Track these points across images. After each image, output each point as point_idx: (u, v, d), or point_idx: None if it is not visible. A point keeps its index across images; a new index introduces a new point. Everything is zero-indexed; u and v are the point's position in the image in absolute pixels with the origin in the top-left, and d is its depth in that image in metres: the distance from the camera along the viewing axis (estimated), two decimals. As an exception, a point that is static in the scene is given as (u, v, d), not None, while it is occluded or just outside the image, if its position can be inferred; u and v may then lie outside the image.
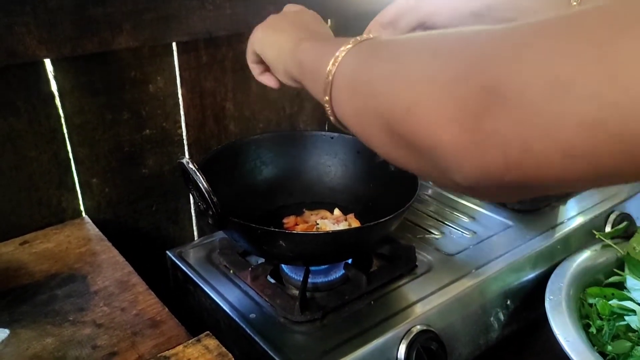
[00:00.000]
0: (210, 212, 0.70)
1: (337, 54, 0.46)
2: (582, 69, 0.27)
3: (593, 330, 0.79)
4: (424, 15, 0.67)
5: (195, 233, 1.12)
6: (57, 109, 0.87)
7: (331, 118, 0.49)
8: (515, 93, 0.29)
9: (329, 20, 1.12)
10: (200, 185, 0.68)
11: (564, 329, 0.75)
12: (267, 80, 0.69)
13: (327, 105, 0.48)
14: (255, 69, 0.69)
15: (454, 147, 0.33)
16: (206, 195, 0.68)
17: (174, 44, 0.95)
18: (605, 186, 0.35)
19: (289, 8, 0.66)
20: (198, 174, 0.68)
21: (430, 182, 0.40)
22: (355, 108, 0.44)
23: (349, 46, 0.46)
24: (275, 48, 0.60)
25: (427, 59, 0.36)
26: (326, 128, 1.23)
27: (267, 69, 0.67)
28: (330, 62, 0.46)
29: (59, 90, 0.86)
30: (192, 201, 1.08)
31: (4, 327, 0.63)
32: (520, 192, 0.35)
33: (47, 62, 0.83)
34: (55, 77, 0.85)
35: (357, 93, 0.43)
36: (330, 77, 0.46)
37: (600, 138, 0.27)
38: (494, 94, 0.30)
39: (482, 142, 0.31)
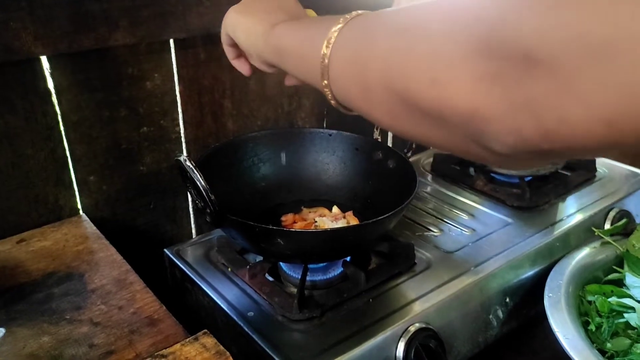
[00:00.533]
0: (208, 210, 0.69)
1: (329, 35, 0.44)
2: (622, 28, 0.25)
3: (592, 327, 0.79)
4: None
5: (194, 231, 1.11)
6: (53, 106, 0.86)
7: (332, 102, 0.48)
8: (549, 58, 0.27)
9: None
10: (198, 183, 0.68)
11: (563, 327, 0.75)
12: (240, 65, 0.67)
13: (326, 90, 0.46)
14: (229, 52, 0.67)
15: (488, 114, 0.31)
16: (203, 193, 0.68)
17: (171, 41, 0.94)
18: None
19: None
20: (195, 171, 0.68)
21: (460, 155, 0.38)
22: (362, 88, 0.41)
23: (340, 25, 0.44)
24: (248, 32, 0.58)
25: (446, 26, 0.34)
26: (324, 125, 1.22)
27: (241, 53, 0.65)
28: (324, 45, 0.44)
29: (55, 87, 0.85)
30: (190, 199, 1.08)
31: (4, 328, 0.63)
32: (556, 158, 0.34)
33: (44, 59, 0.83)
34: (52, 74, 0.84)
35: (363, 72, 0.41)
36: (326, 60, 0.44)
37: None
38: (528, 59, 0.28)
39: (517, 109, 0.30)
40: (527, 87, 0.29)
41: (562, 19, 0.27)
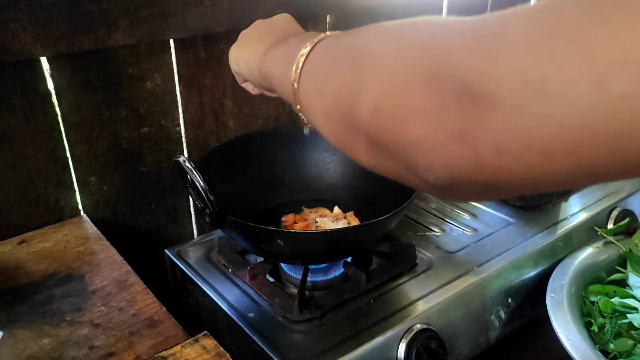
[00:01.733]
0: (207, 211, 0.69)
1: (297, 59, 0.44)
2: (557, 67, 0.25)
3: (595, 328, 0.79)
4: None
5: (195, 231, 1.11)
6: (54, 106, 0.86)
7: (308, 126, 0.48)
8: (488, 93, 0.27)
9: (328, 16, 1.11)
10: (197, 183, 0.67)
11: (565, 328, 0.75)
12: (248, 87, 0.68)
13: (300, 114, 0.47)
14: (238, 78, 0.68)
15: (423, 145, 0.32)
16: (203, 193, 0.68)
17: (171, 41, 0.94)
18: (585, 185, 0.34)
19: (256, 22, 0.63)
20: (195, 172, 0.67)
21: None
22: (323, 114, 0.42)
23: (308, 49, 0.44)
24: (247, 64, 0.59)
25: (392, 54, 0.35)
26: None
27: None
28: (293, 70, 0.44)
29: (55, 88, 0.85)
30: (191, 199, 1.07)
31: (4, 330, 0.63)
32: (493, 192, 0.34)
33: (44, 60, 0.82)
34: (52, 75, 0.84)
35: (322, 97, 0.41)
36: (295, 85, 0.44)
37: (582, 138, 0.25)
38: (467, 94, 0.29)
39: (453, 141, 0.30)
40: (463, 120, 0.29)
41: (502, 56, 0.27)
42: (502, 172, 0.29)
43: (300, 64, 0.44)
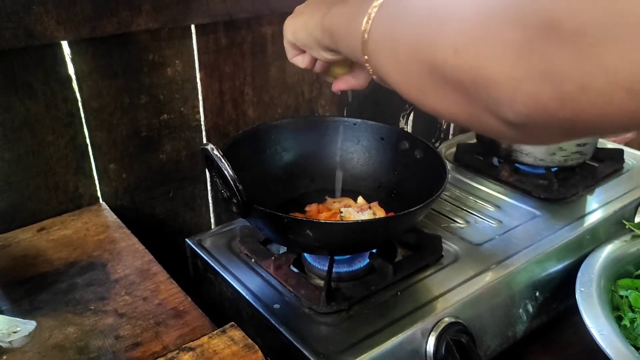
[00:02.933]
0: (235, 200, 0.68)
1: (369, 10, 0.45)
2: None
3: (626, 322, 0.77)
4: None
5: (212, 220, 1.10)
6: (74, 92, 0.84)
7: (374, 77, 0.49)
8: (576, 28, 0.27)
9: None
10: (225, 172, 0.66)
11: (597, 322, 0.73)
12: (297, 60, 0.68)
13: (367, 65, 0.48)
14: (289, 52, 0.68)
15: (506, 80, 0.31)
16: (231, 182, 0.66)
17: (192, 27, 0.92)
18: None
19: None
20: (223, 160, 0.66)
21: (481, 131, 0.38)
22: (396, 61, 0.42)
23: (381, 1, 0.44)
24: (305, 27, 0.60)
25: None
26: (345, 113, 1.20)
27: (300, 51, 0.66)
28: (364, 21, 0.45)
29: (76, 73, 0.84)
30: (209, 187, 1.06)
31: (25, 317, 0.62)
32: (570, 132, 0.34)
33: (65, 44, 0.81)
34: (73, 60, 0.82)
35: (396, 44, 0.42)
36: (366, 35, 0.45)
37: None
38: (554, 28, 0.28)
39: (536, 76, 0.30)
40: (548, 54, 0.29)
41: None
42: (585, 110, 0.29)
43: (373, 14, 0.44)
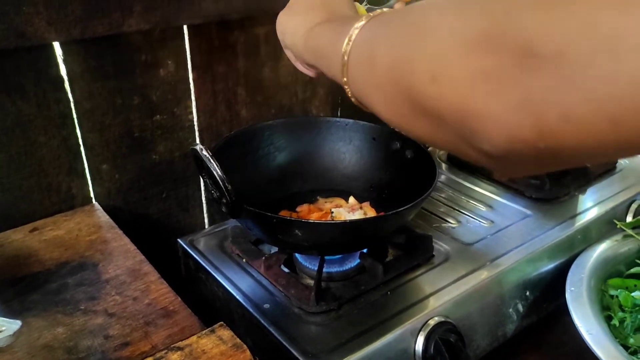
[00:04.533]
0: (224, 201, 0.68)
1: (350, 32, 0.44)
2: (635, 19, 0.23)
3: (615, 322, 0.77)
4: None
5: (206, 220, 1.10)
6: (66, 93, 0.85)
7: (352, 99, 0.48)
8: (553, 51, 0.26)
9: None
10: (215, 172, 0.66)
11: (585, 322, 0.73)
12: (303, 69, 0.67)
13: (346, 87, 0.47)
14: (290, 56, 0.67)
15: (482, 112, 0.30)
16: (220, 183, 0.66)
17: (185, 27, 0.93)
18: None
19: None
20: (212, 161, 0.66)
21: (461, 156, 0.37)
22: (374, 85, 0.42)
23: (362, 23, 0.44)
24: (292, 34, 0.59)
25: (449, 19, 0.33)
26: (339, 114, 1.20)
27: None
28: (345, 42, 0.44)
29: (68, 74, 0.84)
30: (202, 188, 1.06)
31: (15, 317, 0.62)
32: (550, 162, 0.33)
33: (56, 45, 0.81)
34: (65, 61, 0.83)
35: (375, 68, 0.41)
36: (346, 57, 0.44)
37: None
38: (528, 54, 0.27)
39: (514, 107, 0.28)
40: (526, 83, 0.27)
41: (569, 10, 0.26)
42: (567, 140, 0.27)
43: (354, 37, 0.44)
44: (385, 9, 0.46)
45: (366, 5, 0.67)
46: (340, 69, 0.45)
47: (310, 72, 0.66)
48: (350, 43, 0.44)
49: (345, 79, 0.46)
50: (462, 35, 0.31)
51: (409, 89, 0.36)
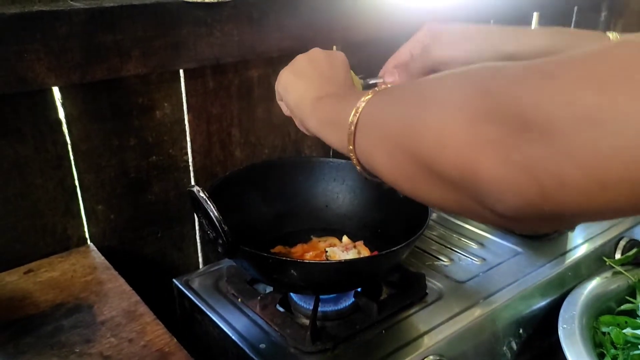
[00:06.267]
0: (220, 241, 0.69)
1: (357, 104, 0.47)
2: (607, 96, 0.26)
3: (608, 359, 0.78)
4: (434, 63, 0.65)
5: (200, 260, 1.10)
6: (64, 135, 0.86)
7: (357, 167, 0.51)
8: (544, 123, 0.29)
9: (334, 47, 1.12)
10: (211, 213, 0.67)
11: (579, 359, 0.74)
12: (284, 106, 0.69)
13: (351, 154, 0.49)
14: (283, 107, 0.69)
15: (490, 178, 0.33)
16: (216, 223, 0.67)
17: (181, 71, 0.95)
18: None
19: (315, 52, 0.65)
20: (209, 202, 0.67)
21: (472, 219, 0.39)
22: (383, 153, 0.44)
23: (369, 96, 0.47)
24: (298, 97, 0.61)
25: (454, 94, 0.36)
26: (331, 154, 1.22)
27: None
28: (352, 113, 0.47)
29: (66, 117, 0.85)
30: (197, 227, 1.07)
31: (10, 360, 0.62)
32: (561, 222, 0.35)
33: (55, 89, 0.83)
34: (63, 104, 0.84)
35: (384, 137, 0.44)
36: (352, 127, 0.47)
37: (635, 165, 0.26)
38: (524, 125, 0.30)
39: (519, 172, 0.31)
40: (525, 150, 0.30)
41: (555, 88, 0.29)
42: (567, 204, 0.30)
43: (361, 108, 0.46)
44: (389, 85, 0.49)
45: (361, 76, 0.71)
46: (347, 138, 0.48)
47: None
48: (358, 114, 0.47)
49: (350, 147, 0.48)
50: (466, 109, 0.34)
51: (419, 156, 0.38)
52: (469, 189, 0.35)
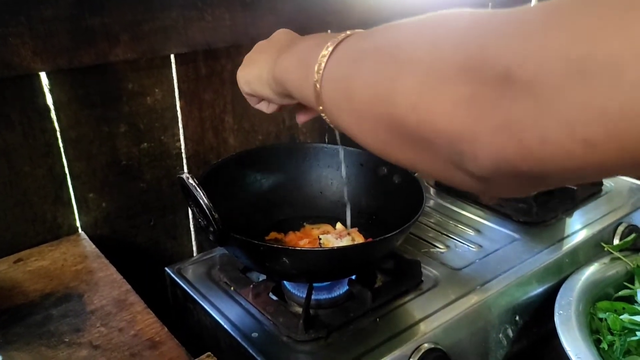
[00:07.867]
0: (211, 229, 0.68)
1: (318, 60, 0.43)
2: (601, 44, 0.24)
3: (604, 345, 0.77)
4: None
5: (194, 248, 1.09)
6: (52, 122, 0.85)
7: (331, 125, 0.48)
8: (528, 78, 0.27)
9: (328, 30, 1.10)
10: (201, 201, 0.66)
11: (574, 345, 0.73)
12: (262, 106, 0.67)
13: (323, 115, 0.47)
14: (251, 100, 0.67)
15: (467, 135, 0.31)
16: (207, 211, 0.66)
17: (172, 56, 0.93)
18: (630, 176, 0.32)
19: (259, 44, 0.63)
20: (199, 189, 0.66)
21: (446, 182, 0.37)
22: (353, 115, 0.41)
23: (330, 49, 0.43)
24: (259, 79, 0.58)
25: (428, 46, 0.34)
26: (326, 140, 1.21)
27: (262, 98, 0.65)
28: (315, 71, 0.44)
29: (54, 103, 0.84)
30: (190, 216, 1.06)
31: (0, 352, 0.61)
32: (536, 183, 0.33)
33: (43, 75, 0.81)
34: (51, 90, 0.83)
35: (351, 99, 0.41)
36: (318, 86, 0.44)
37: (625, 122, 0.24)
38: (507, 80, 0.28)
39: (496, 130, 0.29)
40: (506, 108, 0.28)
41: (542, 40, 0.27)
42: (546, 162, 0.28)
43: (323, 65, 0.43)
44: (349, 32, 0.44)
45: None
46: (314, 99, 0.45)
47: (269, 110, 0.66)
48: (321, 72, 0.43)
49: (320, 108, 0.45)
50: (441, 66, 0.32)
51: (391, 119, 0.36)
52: (443, 150, 0.33)
